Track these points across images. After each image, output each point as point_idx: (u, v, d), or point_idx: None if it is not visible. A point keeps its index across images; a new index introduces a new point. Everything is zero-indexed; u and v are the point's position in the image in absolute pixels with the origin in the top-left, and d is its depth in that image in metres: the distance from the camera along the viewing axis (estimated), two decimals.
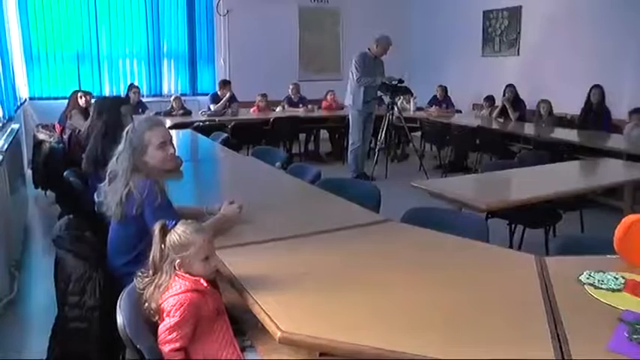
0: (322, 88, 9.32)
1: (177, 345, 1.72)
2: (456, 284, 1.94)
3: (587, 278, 1.93)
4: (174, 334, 1.73)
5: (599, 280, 1.91)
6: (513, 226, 4.17)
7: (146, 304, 1.81)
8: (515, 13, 9.25)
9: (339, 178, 3.99)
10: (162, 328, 1.75)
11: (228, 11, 9.69)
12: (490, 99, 8.70)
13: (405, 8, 11.03)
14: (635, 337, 1.52)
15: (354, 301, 1.78)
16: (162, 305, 1.78)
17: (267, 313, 1.64)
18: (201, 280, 1.83)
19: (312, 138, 9.16)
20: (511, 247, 3.91)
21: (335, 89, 9.06)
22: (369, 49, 6.98)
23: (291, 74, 9.86)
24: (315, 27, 10.54)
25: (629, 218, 2.12)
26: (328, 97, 9.06)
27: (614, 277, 1.93)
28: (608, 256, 2.15)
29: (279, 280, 1.91)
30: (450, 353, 1.46)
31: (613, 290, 1.85)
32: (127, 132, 2.35)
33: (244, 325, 1.99)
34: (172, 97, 8.30)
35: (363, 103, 6.91)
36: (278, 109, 8.66)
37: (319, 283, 1.92)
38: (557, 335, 1.54)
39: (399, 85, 7.13)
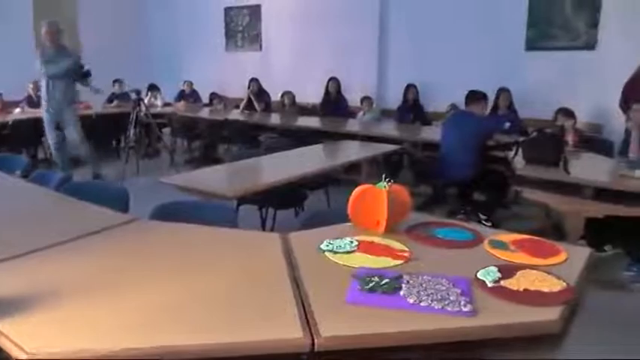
0: None
1: None
2: (207, 271, 1.92)
3: (327, 246, 2.08)
4: None
5: (337, 246, 2.07)
6: (264, 210, 4.33)
7: None
8: (255, 10, 9.64)
9: (86, 182, 3.71)
10: None
11: None
12: (216, 95, 9.16)
13: (144, 5, 10.69)
14: (365, 287, 1.71)
15: (110, 306, 1.64)
16: None
17: (7, 337, 1.44)
18: None
19: None
20: (264, 229, 4.04)
21: None
22: None
23: (29, 69, 8.75)
24: (53, 16, 9.50)
25: (357, 190, 2.32)
26: None
27: (350, 242, 2.11)
28: (344, 224, 2.34)
29: (24, 300, 1.66)
30: (207, 338, 1.45)
31: (348, 252, 2.03)
32: None
33: None
34: None
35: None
36: (17, 110, 7.76)
37: (71, 295, 1.72)
38: (302, 299, 1.64)
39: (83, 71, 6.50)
